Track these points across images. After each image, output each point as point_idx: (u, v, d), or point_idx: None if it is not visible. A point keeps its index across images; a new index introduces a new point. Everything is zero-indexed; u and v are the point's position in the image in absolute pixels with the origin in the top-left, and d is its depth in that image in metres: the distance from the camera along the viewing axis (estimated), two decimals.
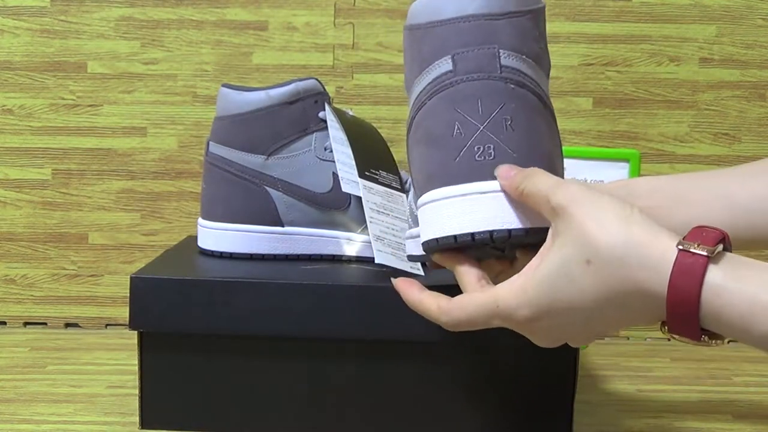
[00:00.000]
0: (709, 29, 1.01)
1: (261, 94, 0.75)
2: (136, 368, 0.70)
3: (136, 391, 0.70)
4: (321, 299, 0.67)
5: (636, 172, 0.94)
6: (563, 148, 0.95)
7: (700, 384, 0.86)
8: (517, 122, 0.53)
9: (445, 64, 0.54)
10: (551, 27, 1.00)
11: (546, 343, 0.54)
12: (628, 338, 1.04)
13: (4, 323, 1.04)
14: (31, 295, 1.04)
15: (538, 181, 0.51)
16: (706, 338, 0.48)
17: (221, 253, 0.77)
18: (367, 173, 0.73)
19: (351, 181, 0.73)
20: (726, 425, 0.75)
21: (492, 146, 0.53)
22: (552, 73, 1.01)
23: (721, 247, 0.47)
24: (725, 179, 0.63)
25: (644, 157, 1.02)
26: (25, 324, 1.04)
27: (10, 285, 1.04)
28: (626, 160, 0.94)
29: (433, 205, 0.54)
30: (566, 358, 0.68)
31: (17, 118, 1.02)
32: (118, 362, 0.89)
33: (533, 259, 0.51)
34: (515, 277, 0.52)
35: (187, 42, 1.01)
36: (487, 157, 0.53)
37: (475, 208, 0.53)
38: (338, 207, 0.76)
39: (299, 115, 0.75)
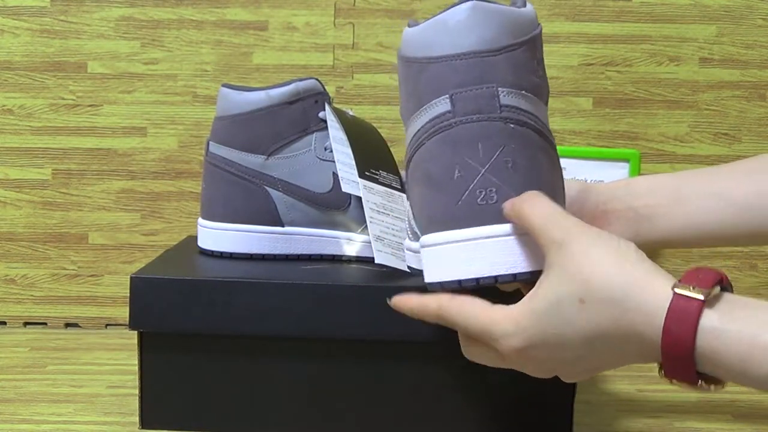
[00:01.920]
0: (709, 29, 1.01)
1: (261, 94, 0.75)
2: (136, 368, 0.70)
3: (136, 391, 0.70)
4: (321, 299, 0.67)
5: (636, 172, 0.94)
6: (563, 148, 0.95)
7: None
8: (519, 163, 0.52)
9: (443, 104, 0.53)
10: (551, 27, 1.00)
11: (538, 373, 0.54)
12: None
13: (4, 323, 1.04)
14: (31, 295, 1.04)
15: (535, 204, 0.51)
16: (703, 383, 0.47)
17: (221, 253, 0.77)
18: (367, 173, 0.73)
19: (351, 181, 0.73)
20: (726, 425, 0.75)
21: (494, 189, 0.52)
22: (552, 73, 1.01)
23: (718, 288, 0.46)
24: (722, 176, 0.63)
25: (644, 157, 1.02)
26: (25, 324, 1.04)
27: (10, 285, 1.04)
28: (626, 160, 0.94)
29: (435, 249, 0.54)
30: None
31: (17, 118, 1.02)
32: (118, 362, 0.89)
33: (532, 290, 0.51)
34: (513, 306, 0.51)
35: (187, 42, 1.01)
36: (489, 201, 0.52)
37: (479, 253, 0.52)
38: (338, 207, 0.76)
39: (299, 115, 0.75)
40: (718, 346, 0.45)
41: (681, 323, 0.45)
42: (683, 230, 0.52)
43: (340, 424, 0.70)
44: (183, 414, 0.70)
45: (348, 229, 0.77)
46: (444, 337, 0.67)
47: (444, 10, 0.54)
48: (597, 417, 0.76)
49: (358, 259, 0.76)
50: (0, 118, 1.02)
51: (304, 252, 0.77)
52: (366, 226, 0.72)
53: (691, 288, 0.45)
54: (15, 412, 0.75)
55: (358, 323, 0.67)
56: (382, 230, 0.70)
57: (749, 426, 0.74)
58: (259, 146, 0.75)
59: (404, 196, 0.74)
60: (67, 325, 1.04)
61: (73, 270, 1.03)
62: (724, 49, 1.01)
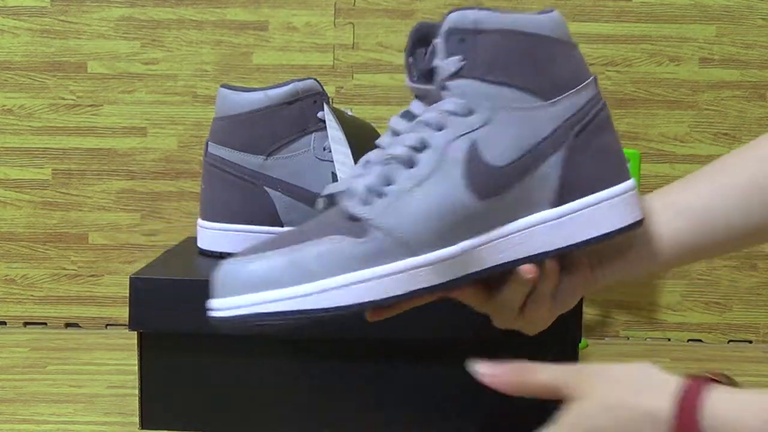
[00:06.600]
0: (709, 29, 1.01)
1: (260, 95, 0.75)
2: (136, 368, 0.70)
3: (136, 391, 0.70)
4: None
5: (636, 172, 0.94)
6: None
7: None
8: None
9: (591, 89, 0.57)
10: None
11: None
12: (628, 338, 1.04)
13: (4, 323, 1.04)
14: (31, 295, 1.04)
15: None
16: None
17: (221, 253, 0.77)
18: None
19: None
20: None
21: None
22: None
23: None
24: (667, 189, 0.63)
25: (644, 157, 1.02)
26: (25, 324, 1.04)
27: (10, 285, 1.04)
28: (626, 160, 0.94)
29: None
30: (566, 359, 0.68)
31: (17, 118, 1.02)
32: (118, 362, 0.89)
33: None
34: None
35: (187, 42, 1.01)
36: None
37: None
38: None
39: (298, 115, 0.75)
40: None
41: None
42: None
43: (340, 424, 0.70)
44: (183, 414, 0.70)
45: None
46: (443, 337, 0.67)
47: None
48: None
49: None
50: (0, 118, 1.02)
51: None
52: None
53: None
54: (15, 412, 0.75)
55: (359, 323, 0.67)
56: None
57: None
58: (258, 147, 0.75)
59: None
60: (67, 325, 1.04)
61: (73, 270, 1.04)
62: (724, 49, 1.01)
